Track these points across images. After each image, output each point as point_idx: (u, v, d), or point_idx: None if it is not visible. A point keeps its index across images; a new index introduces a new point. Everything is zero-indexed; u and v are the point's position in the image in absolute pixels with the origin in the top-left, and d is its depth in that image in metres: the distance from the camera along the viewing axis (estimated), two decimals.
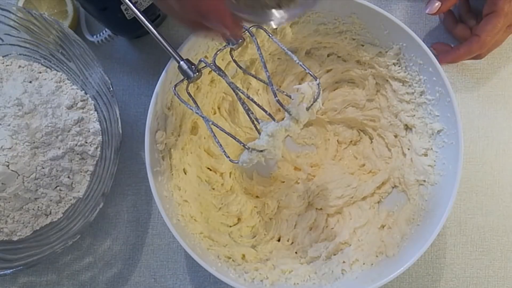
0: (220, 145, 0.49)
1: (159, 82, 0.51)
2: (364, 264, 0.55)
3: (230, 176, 0.63)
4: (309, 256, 0.59)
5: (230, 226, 0.61)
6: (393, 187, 0.61)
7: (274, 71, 0.62)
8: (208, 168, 0.62)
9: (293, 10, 0.38)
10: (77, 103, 0.59)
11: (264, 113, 0.47)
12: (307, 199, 0.62)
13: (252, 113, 0.47)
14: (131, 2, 0.48)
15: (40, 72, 0.60)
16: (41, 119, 0.56)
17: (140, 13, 0.48)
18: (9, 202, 0.56)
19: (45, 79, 0.60)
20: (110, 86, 0.56)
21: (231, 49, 0.50)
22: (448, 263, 0.63)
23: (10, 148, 0.54)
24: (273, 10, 0.38)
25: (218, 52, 0.49)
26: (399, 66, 0.56)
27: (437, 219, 0.51)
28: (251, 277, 0.54)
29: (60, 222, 0.59)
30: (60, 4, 0.63)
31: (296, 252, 0.60)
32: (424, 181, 0.55)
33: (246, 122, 0.62)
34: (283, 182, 0.64)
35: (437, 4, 0.57)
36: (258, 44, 0.47)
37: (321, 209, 0.62)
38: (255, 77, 0.53)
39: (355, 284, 0.53)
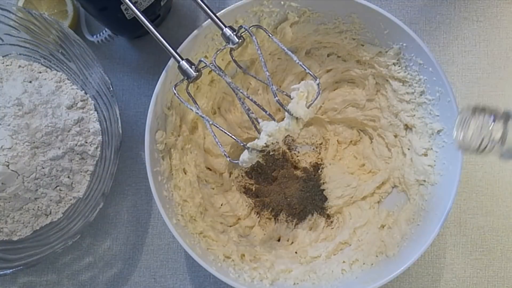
0: (220, 145, 0.49)
1: (159, 82, 0.51)
2: (364, 264, 0.55)
3: (230, 176, 0.63)
4: (309, 256, 0.59)
5: (230, 226, 0.61)
6: (393, 187, 0.61)
7: (274, 70, 0.62)
8: (208, 168, 0.62)
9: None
10: (77, 103, 0.59)
11: (264, 113, 0.47)
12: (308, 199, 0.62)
13: (252, 113, 0.47)
14: (131, 2, 0.48)
15: (40, 72, 0.60)
16: (41, 119, 0.56)
17: (140, 13, 0.48)
18: (9, 202, 0.56)
19: (45, 79, 0.60)
20: (110, 86, 0.56)
21: (231, 49, 0.50)
22: (448, 263, 0.63)
23: (10, 148, 0.54)
24: None
25: (218, 52, 0.49)
26: (399, 66, 0.56)
27: (437, 219, 0.51)
28: (251, 276, 0.54)
29: (60, 222, 0.59)
30: (60, 4, 0.63)
31: (296, 252, 0.60)
32: (424, 181, 0.55)
33: (246, 122, 0.62)
34: (283, 182, 0.64)
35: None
36: (258, 44, 0.47)
37: (321, 208, 0.62)
38: (255, 77, 0.53)
39: (355, 284, 0.53)
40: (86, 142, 0.59)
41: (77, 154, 0.58)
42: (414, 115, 0.57)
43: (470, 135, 0.40)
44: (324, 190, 0.63)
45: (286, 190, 0.62)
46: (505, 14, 0.65)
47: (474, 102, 0.64)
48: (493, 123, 0.39)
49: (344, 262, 0.57)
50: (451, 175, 0.52)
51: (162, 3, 0.58)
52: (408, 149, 0.58)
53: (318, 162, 0.64)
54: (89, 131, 0.59)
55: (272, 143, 0.45)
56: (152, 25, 0.48)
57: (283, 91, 0.51)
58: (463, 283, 0.63)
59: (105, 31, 0.62)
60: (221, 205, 0.61)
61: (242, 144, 0.47)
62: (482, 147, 0.39)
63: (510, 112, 0.39)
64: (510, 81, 0.65)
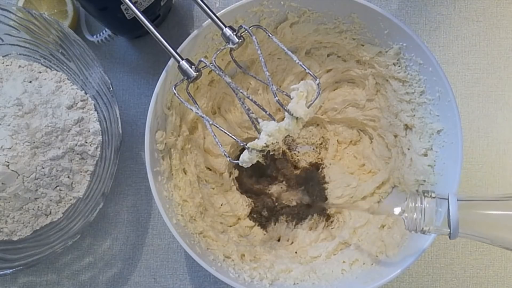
0: (220, 145, 0.49)
1: (159, 82, 0.51)
2: (364, 264, 0.55)
3: (230, 176, 0.63)
4: (309, 256, 0.59)
5: (230, 226, 0.61)
6: (393, 187, 0.61)
7: (274, 70, 0.62)
8: (208, 168, 0.62)
9: None
10: (77, 103, 0.59)
11: (264, 113, 0.47)
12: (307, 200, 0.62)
13: (252, 113, 0.47)
14: (131, 2, 0.48)
15: (40, 72, 0.60)
16: (41, 119, 0.56)
17: (140, 13, 0.48)
18: (9, 202, 0.56)
19: (45, 79, 0.60)
20: (110, 86, 0.56)
21: (231, 49, 0.50)
22: (448, 263, 0.63)
23: (10, 148, 0.54)
24: None
25: (218, 52, 0.49)
26: (399, 66, 0.56)
27: None
28: (251, 276, 0.54)
29: (60, 222, 0.59)
30: (60, 4, 0.63)
31: (296, 252, 0.60)
32: (424, 181, 0.55)
33: (246, 122, 0.62)
34: (283, 181, 0.64)
35: None
36: (258, 44, 0.47)
37: (321, 209, 0.62)
38: (255, 77, 0.53)
39: (355, 284, 0.53)
40: (86, 142, 0.59)
41: (77, 154, 0.58)
42: (414, 115, 0.57)
43: (410, 217, 0.45)
44: (324, 189, 0.63)
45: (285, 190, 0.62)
46: (505, 14, 0.66)
47: (474, 100, 0.64)
48: (421, 206, 0.44)
49: (344, 262, 0.56)
50: (451, 175, 0.52)
51: (162, 3, 0.58)
52: (408, 149, 0.58)
53: (318, 162, 0.64)
54: (89, 131, 0.59)
55: (272, 143, 0.45)
56: (152, 25, 0.48)
57: (283, 91, 0.51)
58: (463, 283, 0.63)
59: (105, 31, 0.62)
60: (221, 205, 0.61)
61: (242, 144, 0.47)
62: (419, 228, 0.44)
63: (441, 195, 0.44)
64: (510, 81, 0.65)
